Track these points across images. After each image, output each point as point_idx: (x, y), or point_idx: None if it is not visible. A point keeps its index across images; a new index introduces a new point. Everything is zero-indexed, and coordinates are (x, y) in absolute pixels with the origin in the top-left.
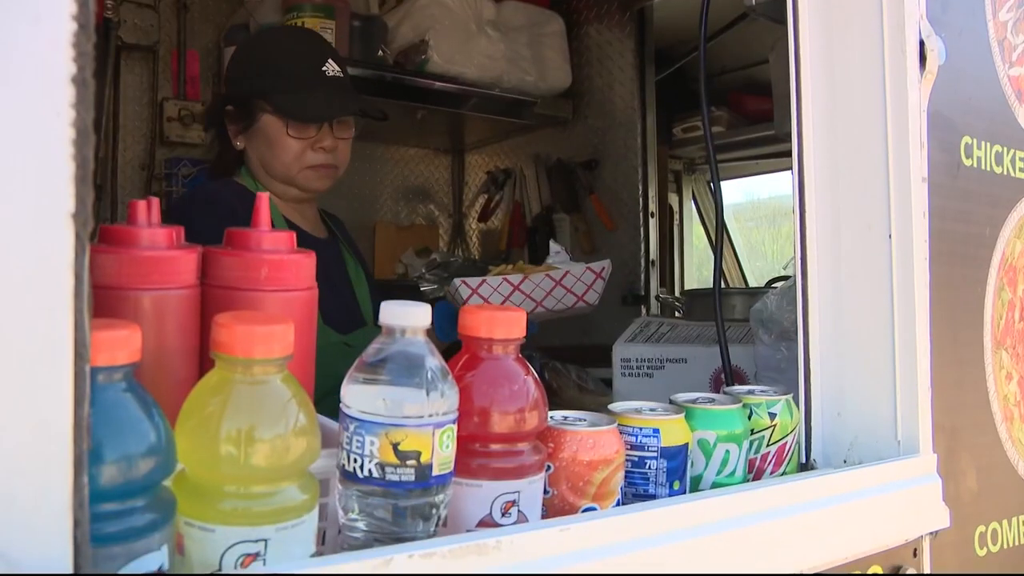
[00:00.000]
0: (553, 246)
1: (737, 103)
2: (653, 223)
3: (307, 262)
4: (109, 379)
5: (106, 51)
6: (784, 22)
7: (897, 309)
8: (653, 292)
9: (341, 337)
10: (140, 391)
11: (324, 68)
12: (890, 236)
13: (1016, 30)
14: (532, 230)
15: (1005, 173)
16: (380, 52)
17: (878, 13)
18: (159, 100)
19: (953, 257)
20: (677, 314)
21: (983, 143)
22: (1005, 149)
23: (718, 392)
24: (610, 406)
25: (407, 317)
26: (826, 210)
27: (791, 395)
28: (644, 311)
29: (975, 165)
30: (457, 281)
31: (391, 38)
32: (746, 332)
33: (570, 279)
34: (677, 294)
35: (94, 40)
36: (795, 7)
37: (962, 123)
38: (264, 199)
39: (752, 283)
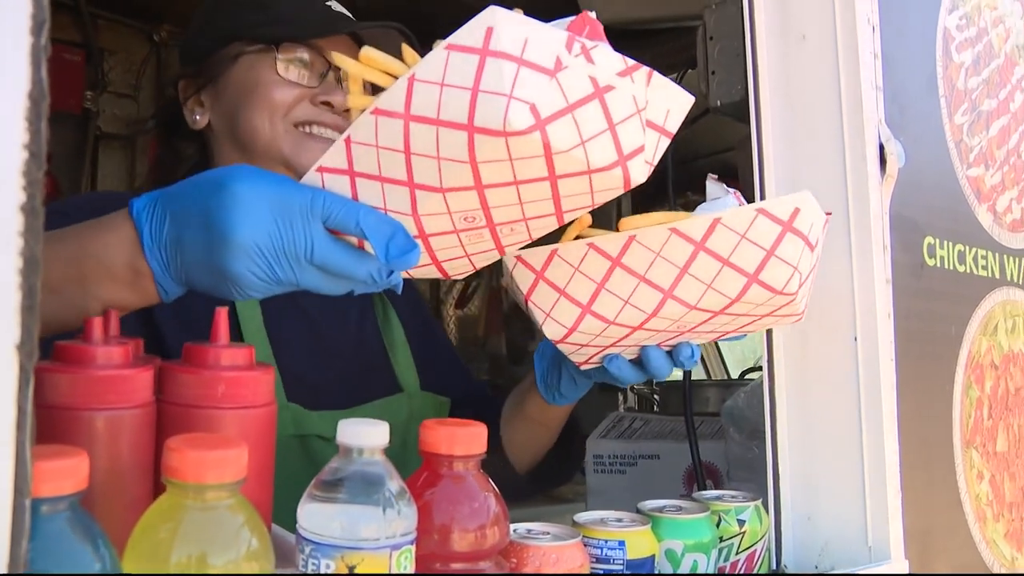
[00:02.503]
0: (712, 186)
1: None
2: None
3: (266, 378)
4: (53, 510)
5: (84, 140)
6: (748, 122)
7: (864, 411)
8: None
9: (332, 416)
10: (86, 520)
11: (329, 3)
12: (856, 338)
13: (971, 132)
14: (508, 316)
15: (968, 271)
16: None
17: (838, 118)
18: (137, 188)
19: (920, 357)
20: (656, 408)
21: (945, 242)
22: (967, 248)
23: (690, 489)
24: (575, 516)
25: (364, 437)
26: None
27: (760, 500)
28: (621, 399)
29: (938, 264)
30: (510, 259)
31: None
32: (719, 427)
33: (724, 238)
34: (654, 383)
35: (45, 168)
36: (757, 113)
37: (924, 223)
38: (222, 315)
39: (731, 365)
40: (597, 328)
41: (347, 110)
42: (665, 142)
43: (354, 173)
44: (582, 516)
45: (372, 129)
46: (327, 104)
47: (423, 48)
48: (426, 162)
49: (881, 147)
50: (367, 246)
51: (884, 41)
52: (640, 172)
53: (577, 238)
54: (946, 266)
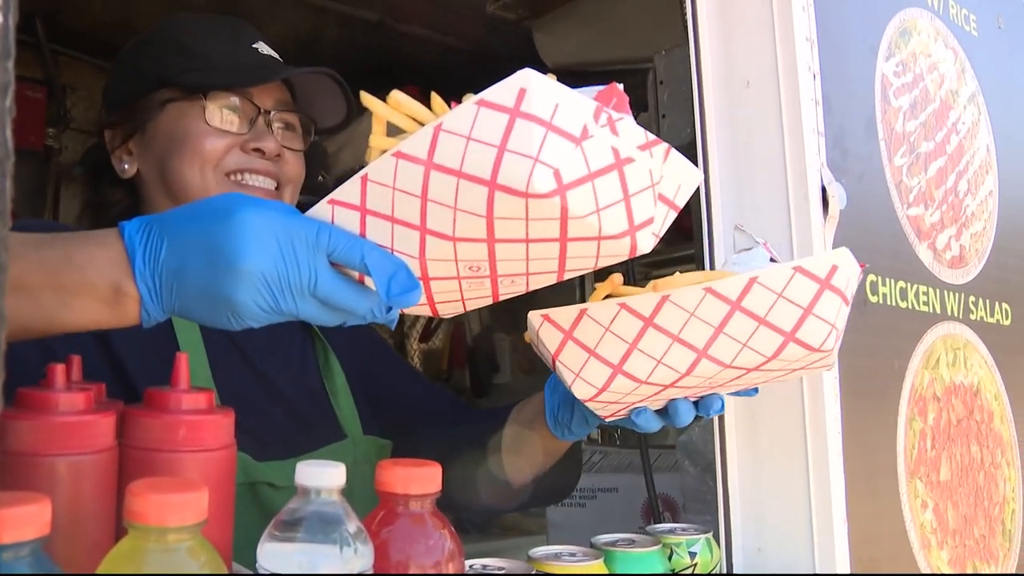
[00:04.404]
0: (740, 236)
1: (676, 221)
2: None
3: (225, 421)
4: (15, 556)
5: (46, 177)
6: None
7: (811, 445)
8: None
9: (279, 465)
10: (48, 565)
11: (256, 46)
12: None
13: (910, 173)
14: (472, 350)
15: (910, 307)
16: (320, 178)
17: (781, 162)
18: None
19: (864, 391)
20: (617, 440)
21: (887, 280)
22: (909, 284)
23: (648, 522)
24: (530, 552)
25: (322, 478)
26: None
27: (711, 532)
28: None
29: (881, 301)
30: (536, 318)
31: (331, 163)
32: (677, 459)
33: (761, 297)
34: None
35: (10, 225)
36: (705, 155)
37: (867, 261)
38: (183, 359)
39: None
40: (628, 387)
41: (277, 155)
42: (672, 215)
43: (366, 210)
44: (537, 551)
45: (391, 171)
46: (258, 151)
47: (354, 91)
48: (442, 210)
49: (823, 189)
50: (368, 281)
51: (824, 87)
52: (647, 243)
53: (606, 297)
54: (888, 302)
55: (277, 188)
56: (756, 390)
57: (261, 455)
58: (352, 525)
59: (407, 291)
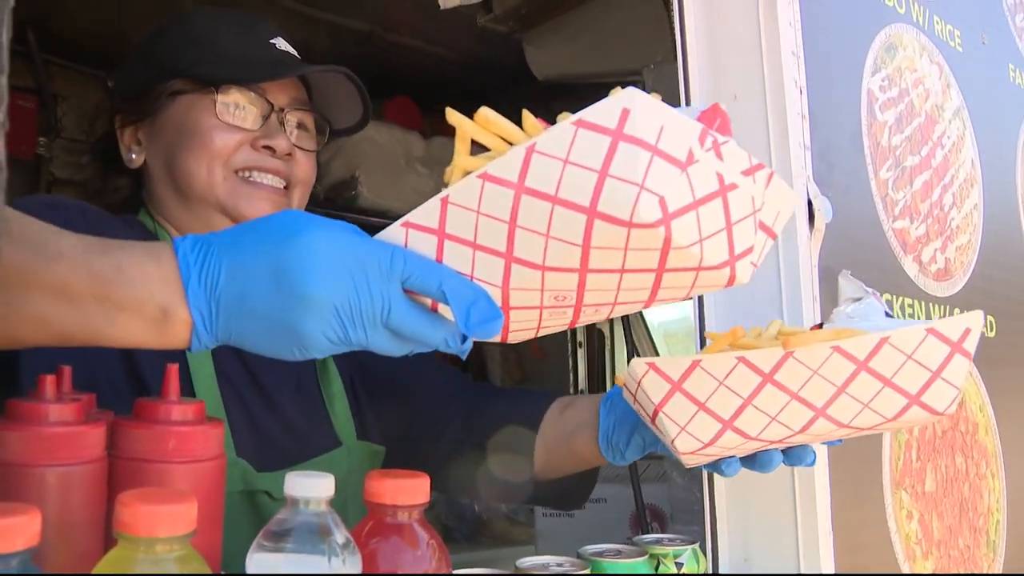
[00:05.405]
0: (847, 284)
1: None
2: (581, 353)
3: (215, 431)
4: (5, 566)
5: (36, 187)
6: None
7: None
8: None
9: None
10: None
11: (273, 41)
12: None
13: (896, 187)
14: (463, 360)
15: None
16: None
17: None
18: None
19: None
20: None
21: None
22: (895, 297)
23: (636, 532)
24: (517, 562)
25: (310, 489)
26: None
27: (698, 543)
28: None
29: None
30: (640, 366)
31: (322, 174)
32: (666, 469)
33: (890, 357)
34: None
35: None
36: None
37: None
38: (173, 371)
39: None
40: (735, 443)
41: (289, 154)
42: (770, 244)
43: (444, 234)
44: (524, 561)
45: (476, 194)
46: (268, 148)
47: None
48: (532, 237)
49: (809, 202)
50: (443, 309)
51: (811, 102)
52: (745, 273)
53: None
54: None
55: (286, 188)
56: (841, 440)
57: (261, 464)
58: (340, 536)
59: (488, 321)
